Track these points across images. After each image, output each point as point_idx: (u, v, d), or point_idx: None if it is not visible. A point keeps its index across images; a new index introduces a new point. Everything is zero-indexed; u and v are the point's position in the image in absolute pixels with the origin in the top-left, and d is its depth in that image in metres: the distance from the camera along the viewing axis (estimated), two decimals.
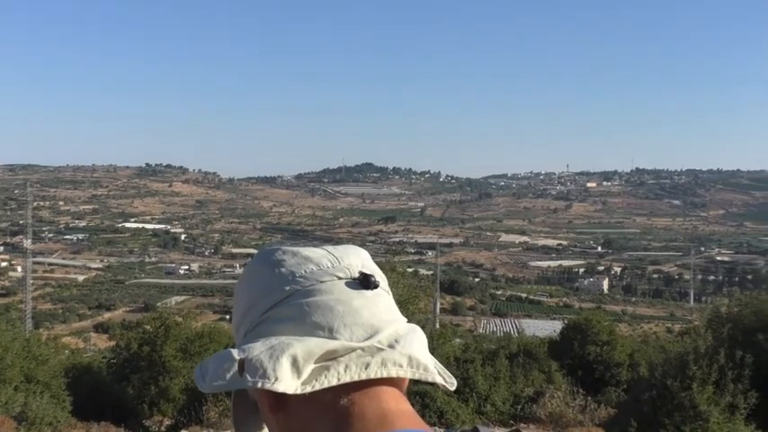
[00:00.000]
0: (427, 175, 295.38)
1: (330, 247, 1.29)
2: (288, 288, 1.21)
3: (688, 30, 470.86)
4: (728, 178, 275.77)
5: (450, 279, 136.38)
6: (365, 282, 1.22)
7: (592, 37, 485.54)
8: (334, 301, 1.19)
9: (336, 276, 1.22)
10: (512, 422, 18.20)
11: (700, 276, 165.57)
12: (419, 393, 17.00)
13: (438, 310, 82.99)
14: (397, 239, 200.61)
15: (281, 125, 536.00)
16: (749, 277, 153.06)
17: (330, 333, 1.15)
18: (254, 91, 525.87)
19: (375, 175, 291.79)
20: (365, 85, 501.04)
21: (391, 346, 1.17)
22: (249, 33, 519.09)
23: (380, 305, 1.23)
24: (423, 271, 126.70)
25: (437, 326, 45.69)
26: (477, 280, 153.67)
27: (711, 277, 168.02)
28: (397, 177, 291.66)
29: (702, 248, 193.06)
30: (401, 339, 1.19)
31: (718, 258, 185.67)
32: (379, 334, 1.18)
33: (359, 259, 1.28)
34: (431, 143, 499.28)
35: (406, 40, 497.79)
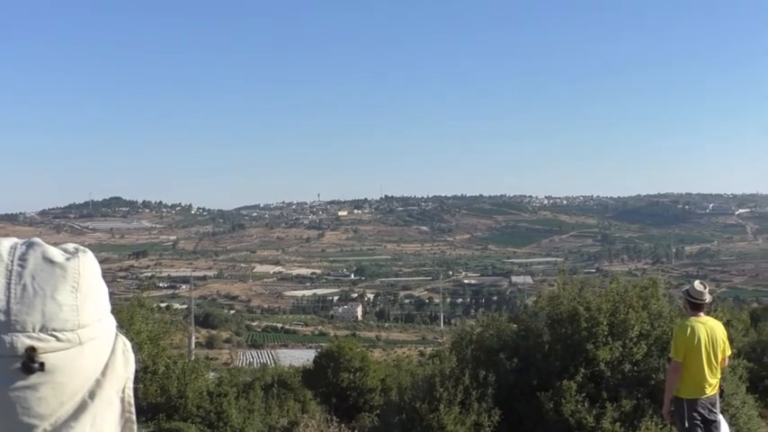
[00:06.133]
0: (178, 208, 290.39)
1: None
2: None
3: (419, 66, 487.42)
4: (472, 203, 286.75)
5: (205, 312, 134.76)
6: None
7: (332, 76, 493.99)
8: None
9: None
10: None
11: (449, 299, 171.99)
12: (171, 431, 16.62)
13: (193, 345, 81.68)
14: (149, 274, 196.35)
15: (19, 158, 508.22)
16: (494, 298, 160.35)
17: None
18: None
19: (124, 209, 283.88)
20: (108, 116, 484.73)
21: None
22: None
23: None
24: (177, 305, 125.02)
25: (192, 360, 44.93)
26: (232, 312, 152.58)
27: (460, 300, 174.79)
28: (147, 211, 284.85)
29: (450, 272, 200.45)
30: None
31: (466, 281, 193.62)
32: None
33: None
34: (180, 175, 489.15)
35: (153, 66, 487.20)
